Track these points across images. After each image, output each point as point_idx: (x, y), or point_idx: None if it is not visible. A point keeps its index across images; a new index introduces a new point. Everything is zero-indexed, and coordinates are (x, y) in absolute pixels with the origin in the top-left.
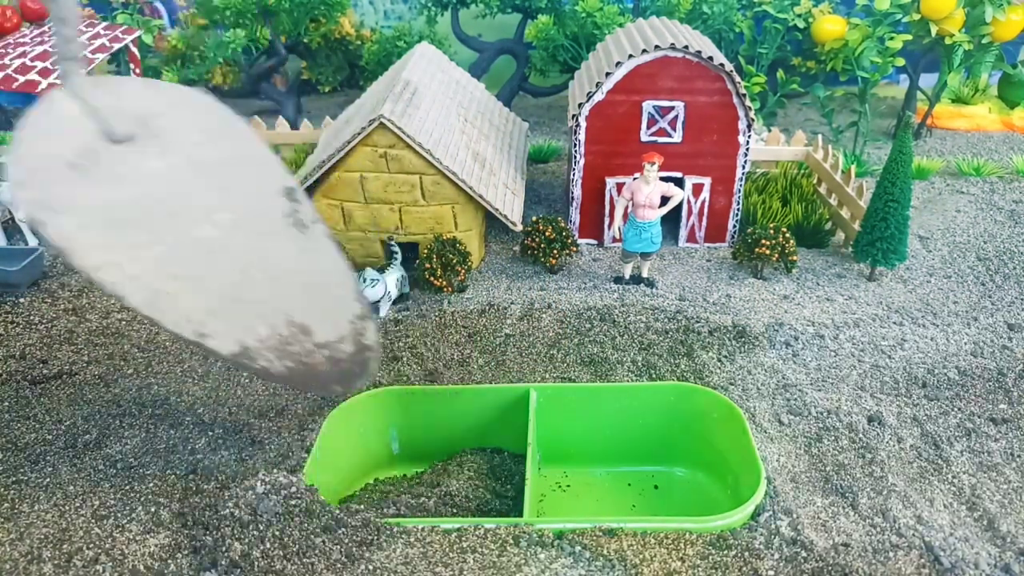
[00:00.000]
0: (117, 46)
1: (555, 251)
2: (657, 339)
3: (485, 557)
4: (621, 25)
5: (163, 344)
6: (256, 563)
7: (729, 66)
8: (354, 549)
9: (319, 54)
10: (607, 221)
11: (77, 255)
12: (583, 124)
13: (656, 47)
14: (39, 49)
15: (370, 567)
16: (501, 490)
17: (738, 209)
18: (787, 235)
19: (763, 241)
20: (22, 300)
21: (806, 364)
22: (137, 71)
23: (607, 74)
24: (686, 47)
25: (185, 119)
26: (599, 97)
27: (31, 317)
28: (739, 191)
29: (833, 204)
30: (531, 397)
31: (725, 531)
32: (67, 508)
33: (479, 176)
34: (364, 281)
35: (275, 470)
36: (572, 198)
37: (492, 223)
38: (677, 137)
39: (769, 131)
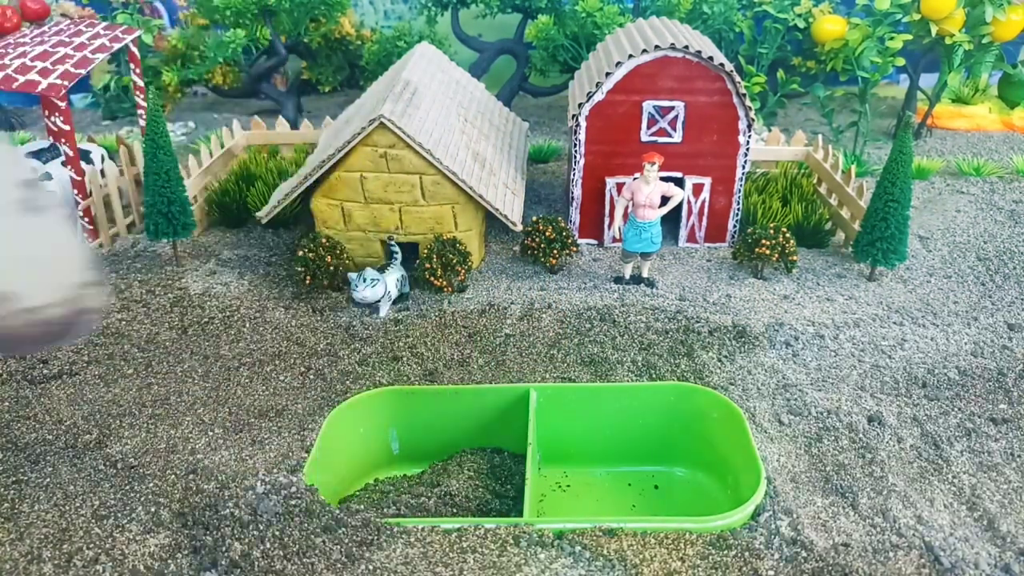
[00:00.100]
0: (117, 46)
1: (555, 251)
2: (657, 339)
3: (485, 557)
4: (621, 25)
5: (163, 344)
6: (256, 563)
7: (729, 66)
8: (354, 549)
9: (319, 54)
10: (607, 221)
11: None
12: (583, 124)
13: (656, 47)
14: (39, 49)
15: (370, 567)
16: (501, 490)
17: (738, 209)
18: (787, 235)
19: (763, 241)
20: None
21: (806, 364)
22: (137, 71)
23: (607, 74)
24: (686, 47)
25: None
26: (599, 97)
27: None
28: (739, 191)
29: (833, 204)
30: (531, 397)
31: (725, 531)
32: (67, 508)
33: (479, 176)
34: (364, 281)
35: (275, 470)
36: (572, 198)
37: (492, 223)
38: (677, 137)
39: (769, 131)
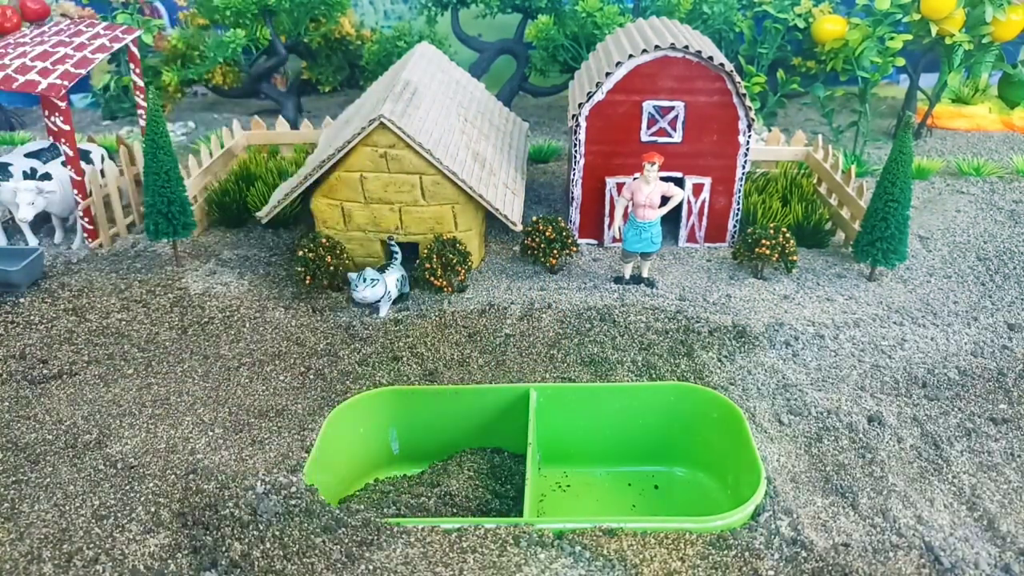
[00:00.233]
0: (117, 46)
1: (555, 251)
2: (657, 339)
3: (485, 557)
4: (621, 25)
5: (163, 344)
6: (256, 563)
7: (729, 66)
8: (354, 549)
9: (319, 54)
10: (607, 221)
11: None
12: (583, 124)
13: (656, 47)
14: (39, 49)
15: (370, 567)
16: (501, 490)
17: (738, 209)
18: (787, 235)
19: (763, 241)
20: (22, 300)
21: (806, 364)
22: (137, 71)
23: (607, 74)
24: (686, 47)
25: None
26: (599, 97)
27: (31, 317)
28: (739, 191)
29: (833, 204)
30: (531, 397)
31: (725, 531)
32: (67, 508)
33: (479, 176)
34: (364, 281)
35: (275, 470)
36: (572, 198)
37: (492, 223)
38: (677, 137)
39: (769, 131)
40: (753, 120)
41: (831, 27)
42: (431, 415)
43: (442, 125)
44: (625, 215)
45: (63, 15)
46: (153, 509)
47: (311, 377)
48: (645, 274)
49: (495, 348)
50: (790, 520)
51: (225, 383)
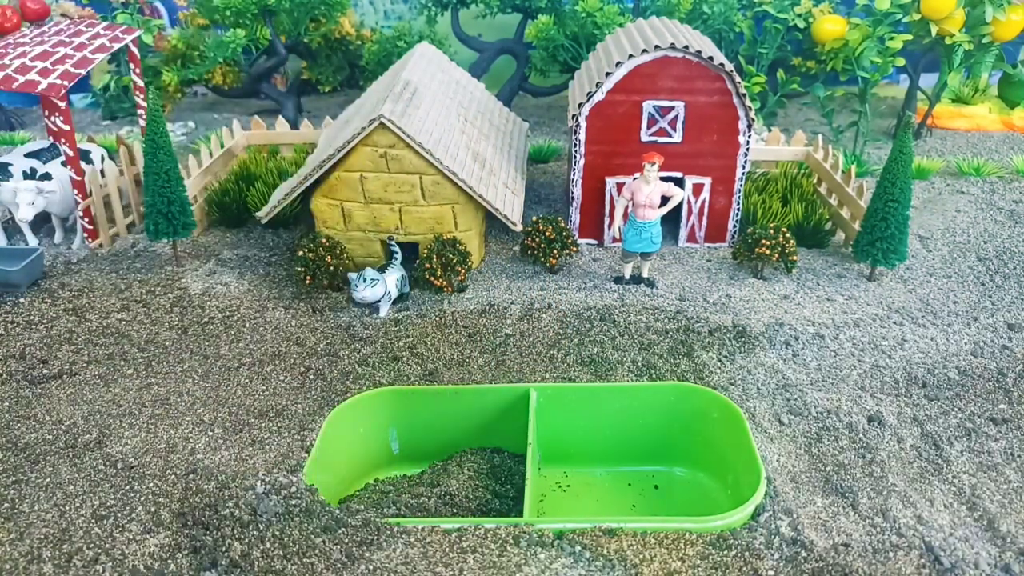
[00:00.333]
0: (117, 46)
1: (555, 251)
2: (657, 339)
3: (485, 557)
4: (621, 25)
5: (163, 344)
6: (256, 563)
7: (729, 66)
8: (354, 549)
9: (319, 54)
10: (607, 221)
11: None
12: (583, 124)
13: (656, 47)
14: (39, 49)
15: (370, 567)
16: (501, 490)
17: (738, 209)
18: (787, 235)
19: (763, 241)
20: (22, 300)
21: (806, 364)
22: (137, 71)
23: (607, 74)
24: (686, 47)
25: None
26: (599, 97)
27: (31, 317)
28: (739, 191)
29: (833, 204)
30: (531, 397)
31: (725, 531)
32: (67, 508)
33: (479, 176)
34: (364, 281)
35: (275, 470)
36: (572, 198)
37: (492, 223)
38: (677, 137)
39: (769, 131)
40: (753, 120)
41: (831, 27)
42: (431, 415)
43: (442, 125)
44: (625, 215)
45: (63, 15)
46: (153, 509)
47: (311, 377)
48: (645, 274)
49: (495, 348)
50: (790, 520)
51: (225, 383)
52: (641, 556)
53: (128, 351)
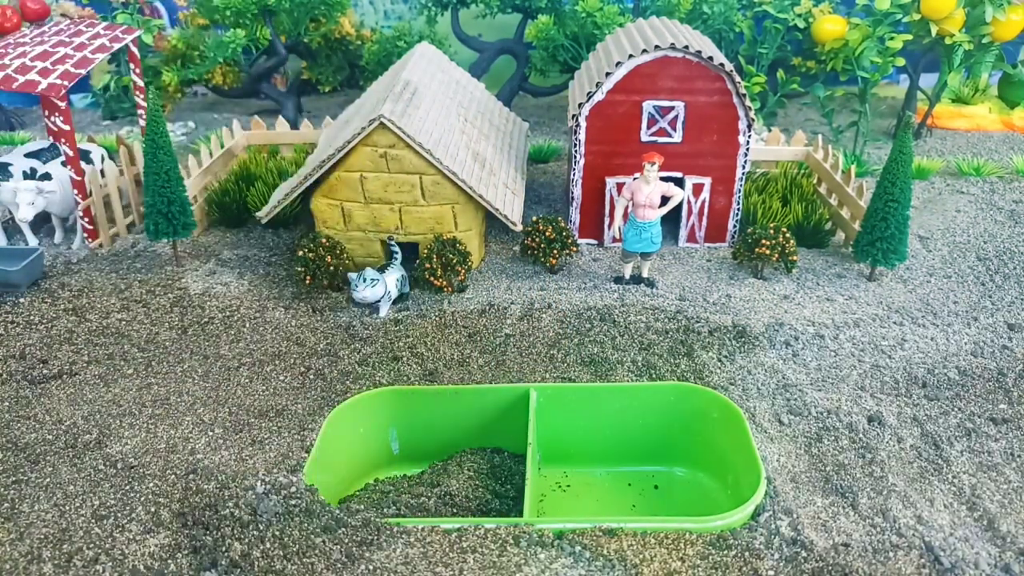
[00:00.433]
0: (117, 46)
1: (555, 251)
2: (657, 339)
3: (485, 557)
4: (621, 25)
5: (163, 344)
6: (256, 563)
7: (729, 66)
8: (354, 549)
9: (319, 54)
10: (607, 221)
11: None
12: (583, 124)
13: (656, 47)
14: (39, 49)
15: (370, 567)
16: (501, 490)
17: (738, 209)
18: (787, 235)
19: (763, 241)
20: (22, 300)
21: (806, 364)
22: (137, 71)
23: (607, 74)
24: (686, 47)
25: None
26: (599, 97)
27: (31, 317)
28: (739, 191)
29: (833, 204)
30: (531, 397)
31: (725, 531)
32: (67, 508)
33: (479, 176)
34: (364, 281)
35: (275, 470)
36: (572, 198)
37: (492, 223)
38: (677, 137)
39: (769, 131)
40: (753, 120)
41: (831, 27)
42: (431, 415)
43: (442, 125)
44: (625, 215)
45: (63, 15)
46: (153, 509)
47: (311, 377)
48: (645, 274)
49: (495, 348)
50: (790, 520)
51: (225, 383)
52: (641, 556)
53: (128, 351)
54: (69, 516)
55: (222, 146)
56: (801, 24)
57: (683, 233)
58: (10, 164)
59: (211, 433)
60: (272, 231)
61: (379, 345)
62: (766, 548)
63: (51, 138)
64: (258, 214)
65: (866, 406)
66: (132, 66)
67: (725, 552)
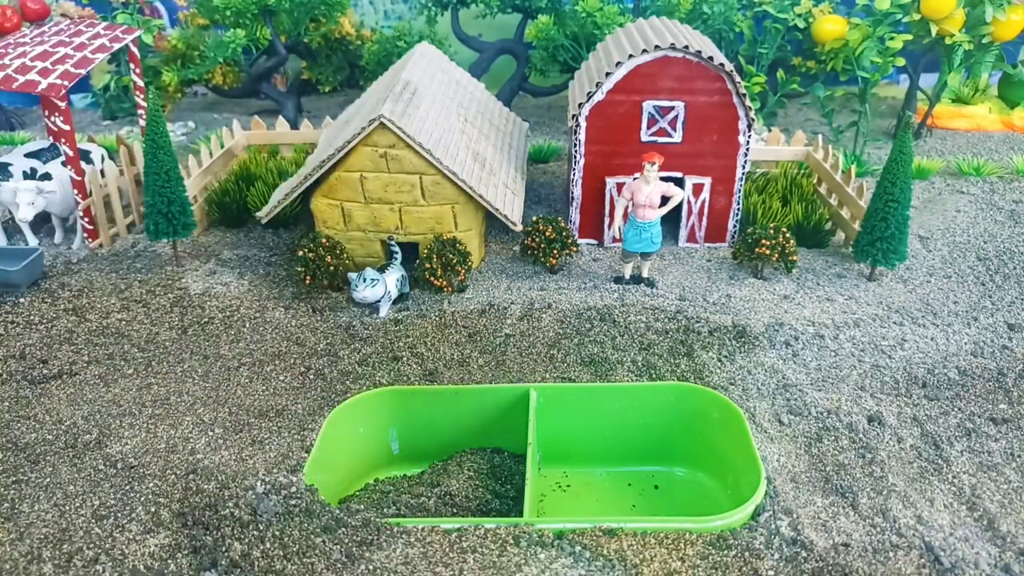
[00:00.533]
0: (117, 46)
1: (555, 251)
2: (657, 339)
3: (485, 557)
4: (621, 25)
5: (163, 344)
6: (256, 563)
7: (729, 66)
8: (354, 549)
9: (319, 54)
10: (607, 221)
11: None
12: (583, 124)
13: (656, 47)
14: (39, 49)
15: (370, 567)
16: (501, 490)
17: (738, 209)
18: (787, 235)
19: (763, 241)
20: (22, 300)
21: (806, 364)
22: (137, 71)
23: (607, 74)
24: (686, 47)
25: None
26: (599, 97)
27: (31, 317)
28: (739, 191)
29: (833, 204)
30: (531, 397)
31: (725, 531)
32: (67, 508)
33: (479, 176)
34: (364, 281)
35: (275, 470)
36: (572, 198)
37: (492, 223)
38: (677, 137)
39: (769, 131)
40: (753, 120)
41: (831, 27)
42: (431, 415)
43: (442, 125)
44: (625, 215)
45: (63, 15)
46: (153, 509)
47: (311, 377)
48: (645, 274)
49: (495, 348)
50: (790, 520)
51: (225, 383)
52: (641, 556)
53: (128, 351)
54: (69, 516)
55: (222, 146)
56: (801, 24)
57: (683, 233)
58: (10, 164)
59: (211, 433)
60: (272, 231)
61: (379, 345)
62: (766, 548)
63: (51, 138)
64: (258, 214)
65: (866, 406)
66: (132, 66)
67: (725, 552)
